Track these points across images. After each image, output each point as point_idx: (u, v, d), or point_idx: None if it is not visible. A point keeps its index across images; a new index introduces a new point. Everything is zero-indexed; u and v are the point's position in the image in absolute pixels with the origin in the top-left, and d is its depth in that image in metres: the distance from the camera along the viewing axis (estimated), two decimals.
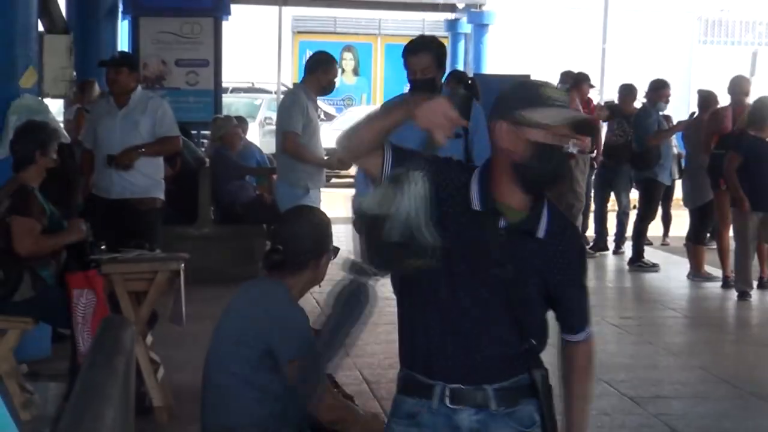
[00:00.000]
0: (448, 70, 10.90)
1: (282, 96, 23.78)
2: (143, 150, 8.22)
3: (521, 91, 3.45)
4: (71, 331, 6.48)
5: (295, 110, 8.63)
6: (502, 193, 3.39)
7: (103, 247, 6.73)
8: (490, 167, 3.42)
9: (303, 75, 8.96)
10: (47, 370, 7.47)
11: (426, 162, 3.28)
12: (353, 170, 15.70)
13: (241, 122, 13.29)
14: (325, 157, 9.10)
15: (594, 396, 3.06)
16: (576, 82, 13.77)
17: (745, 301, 10.77)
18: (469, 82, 10.71)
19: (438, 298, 3.37)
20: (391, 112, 3.41)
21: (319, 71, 8.74)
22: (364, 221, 3.19)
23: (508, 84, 3.52)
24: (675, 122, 13.46)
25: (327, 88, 8.90)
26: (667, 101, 13.02)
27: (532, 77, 16.87)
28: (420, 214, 3.14)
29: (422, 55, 6.30)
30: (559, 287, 3.55)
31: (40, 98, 8.52)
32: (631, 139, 13.08)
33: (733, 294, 11.12)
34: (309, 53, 9.21)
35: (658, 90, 12.89)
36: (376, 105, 32.41)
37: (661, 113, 13.04)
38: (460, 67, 25.07)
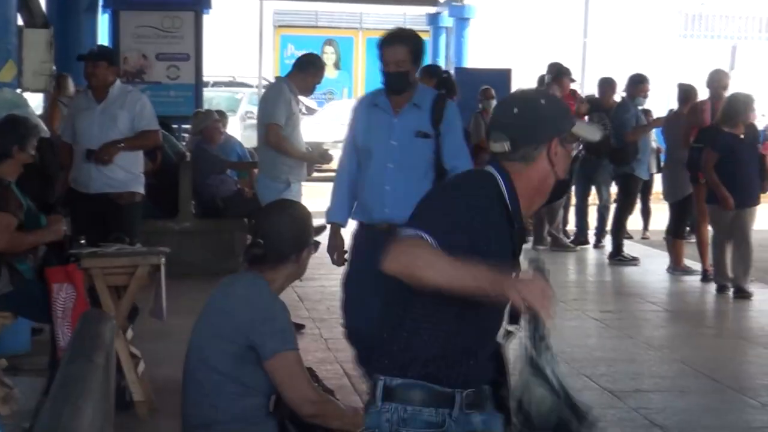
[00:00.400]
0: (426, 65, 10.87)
1: (263, 90, 23.75)
2: (123, 145, 8.20)
3: (561, 107, 3.50)
4: (51, 325, 6.47)
5: (278, 103, 8.63)
6: (524, 207, 3.43)
7: (82, 241, 6.71)
8: (514, 183, 3.40)
9: (291, 70, 8.92)
10: (27, 365, 7.44)
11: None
12: (334, 164, 15.68)
13: (222, 116, 13.27)
14: (307, 150, 9.12)
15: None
16: (557, 75, 13.79)
17: (723, 295, 10.80)
18: (444, 75, 10.68)
19: (484, 317, 3.39)
20: (479, 280, 3.09)
21: (310, 72, 8.80)
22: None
23: (537, 100, 3.46)
24: (655, 117, 13.51)
25: (310, 90, 8.97)
26: (645, 96, 13.05)
27: (513, 71, 16.88)
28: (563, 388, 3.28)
29: (398, 47, 6.12)
30: None
31: (19, 92, 8.46)
32: (610, 134, 13.11)
33: (713, 287, 11.15)
34: (290, 47, 9.26)
35: (637, 84, 12.92)
36: (357, 99, 32.39)
37: (640, 108, 13.07)
38: (442, 61, 25.11)
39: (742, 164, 10.63)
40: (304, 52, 9.72)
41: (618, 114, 12.95)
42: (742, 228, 10.71)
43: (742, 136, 10.75)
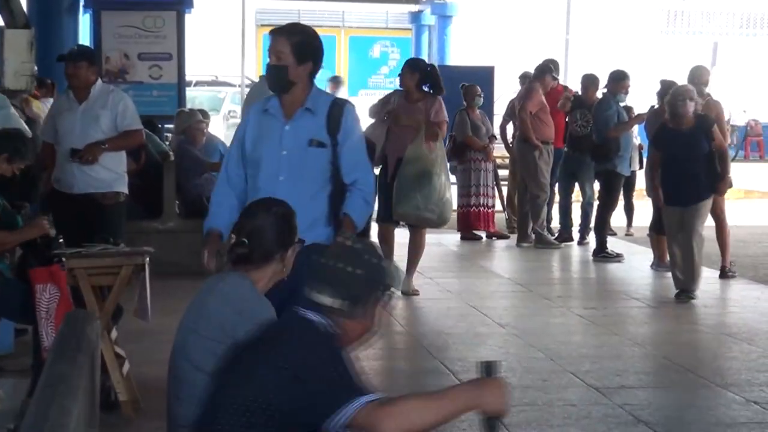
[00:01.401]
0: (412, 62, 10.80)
1: (246, 89, 23.74)
2: (106, 146, 8.18)
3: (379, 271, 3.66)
4: (34, 326, 6.45)
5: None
6: None
7: (60, 240, 6.66)
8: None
9: None
10: (10, 366, 7.42)
11: None
12: None
13: (205, 116, 13.24)
14: None
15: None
16: (540, 72, 13.82)
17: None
18: (428, 69, 10.62)
19: None
20: (458, 401, 3.38)
21: None
22: None
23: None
24: (636, 113, 13.53)
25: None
26: (626, 92, 13.10)
27: (496, 68, 16.86)
28: None
29: (280, 38, 5.59)
30: None
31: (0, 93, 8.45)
32: (592, 130, 13.13)
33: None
34: None
35: (618, 81, 12.95)
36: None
37: (621, 104, 13.11)
38: (424, 59, 25.10)
39: (679, 160, 10.35)
40: None
41: (599, 111, 12.97)
42: (685, 227, 10.37)
43: (683, 130, 10.34)
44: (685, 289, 10.40)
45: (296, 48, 5.54)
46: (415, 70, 10.43)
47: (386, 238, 10.38)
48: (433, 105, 10.26)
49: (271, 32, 5.68)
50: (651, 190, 10.97)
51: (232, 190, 5.67)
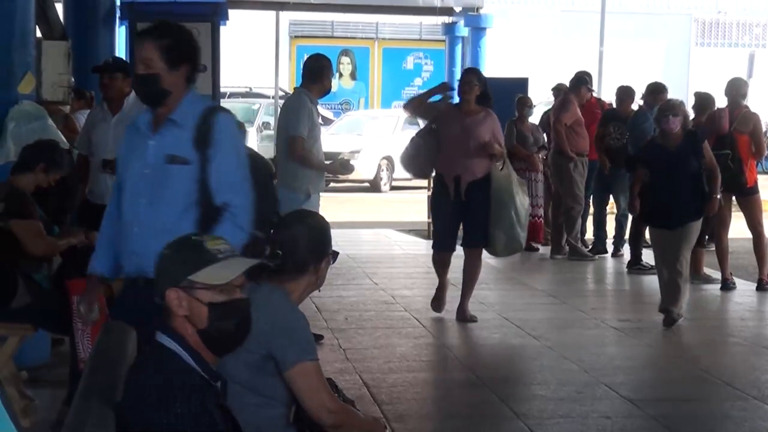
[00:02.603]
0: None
1: (280, 101, 23.80)
2: None
3: (184, 254, 3.42)
4: (70, 337, 6.49)
5: (301, 114, 8.63)
6: (208, 356, 3.45)
7: None
8: (187, 341, 3.40)
9: (304, 81, 8.91)
10: (47, 376, 7.46)
11: None
12: (352, 176, 15.75)
13: (240, 128, 13.25)
14: (327, 162, 9.14)
15: None
16: (575, 84, 13.79)
17: (727, 299, 10.43)
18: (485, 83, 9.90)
19: None
20: None
21: (324, 77, 8.77)
22: None
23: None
24: None
25: (329, 91, 8.97)
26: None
27: (530, 80, 16.90)
28: None
29: (147, 45, 4.84)
30: None
31: (38, 105, 8.51)
32: (627, 143, 13.09)
33: (734, 296, 11.13)
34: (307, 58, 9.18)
35: (655, 94, 12.90)
36: (373, 109, 32.52)
37: None
38: (458, 70, 25.10)
39: (666, 180, 9.55)
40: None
41: (636, 123, 12.92)
42: (672, 250, 9.61)
43: (669, 148, 9.56)
44: (668, 310, 9.67)
45: (166, 52, 4.81)
46: (479, 82, 9.71)
47: (444, 263, 9.86)
48: (495, 123, 9.63)
49: (137, 35, 4.96)
50: (631, 207, 10.18)
51: (112, 223, 5.08)
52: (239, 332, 3.45)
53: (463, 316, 9.70)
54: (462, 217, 9.63)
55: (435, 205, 10.08)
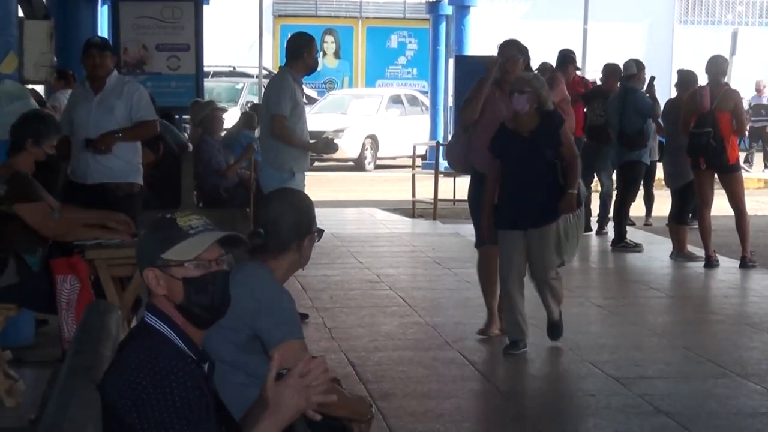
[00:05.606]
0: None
1: (264, 80, 23.74)
2: (120, 135, 8.17)
3: (158, 233, 3.43)
4: (58, 317, 6.48)
5: (283, 94, 8.61)
6: (194, 335, 3.44)
7: None
8: (174, 321, 3.41)
9: (287, 59, 8.88)
10: (31, 357, 7.45)
11: None
12: (337, 155, 15.76)
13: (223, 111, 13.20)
14: (311, 141, 9.13)
15: None
16: (562, 62, 13.77)
17: (714, 278, 10.45)
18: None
19: None
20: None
21: (305, 54, 8.73)
22: None
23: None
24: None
25: (313, 68, 8.93)
26: (643, 83, 13.08)
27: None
28: None
29: None
30: None
31: (21, 84, 8.47)
32: (606, 121, 13.11)
33: (717, 273, 11.16)
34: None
35: (609, 76, 13.01)
36: (357, 88, 32.46)
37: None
38: (442, 49, 25.06)
39: (517, 171, 7.83)
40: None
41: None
42: (532, 262, 8.01)
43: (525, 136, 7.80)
44: (517, 342, 7.93)
45: None
46: (521, 54, 8.33)
47: (491, 268, 8.34)
48: None
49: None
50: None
51: None
52: (216, 303, 3.43)
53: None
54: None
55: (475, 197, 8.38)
